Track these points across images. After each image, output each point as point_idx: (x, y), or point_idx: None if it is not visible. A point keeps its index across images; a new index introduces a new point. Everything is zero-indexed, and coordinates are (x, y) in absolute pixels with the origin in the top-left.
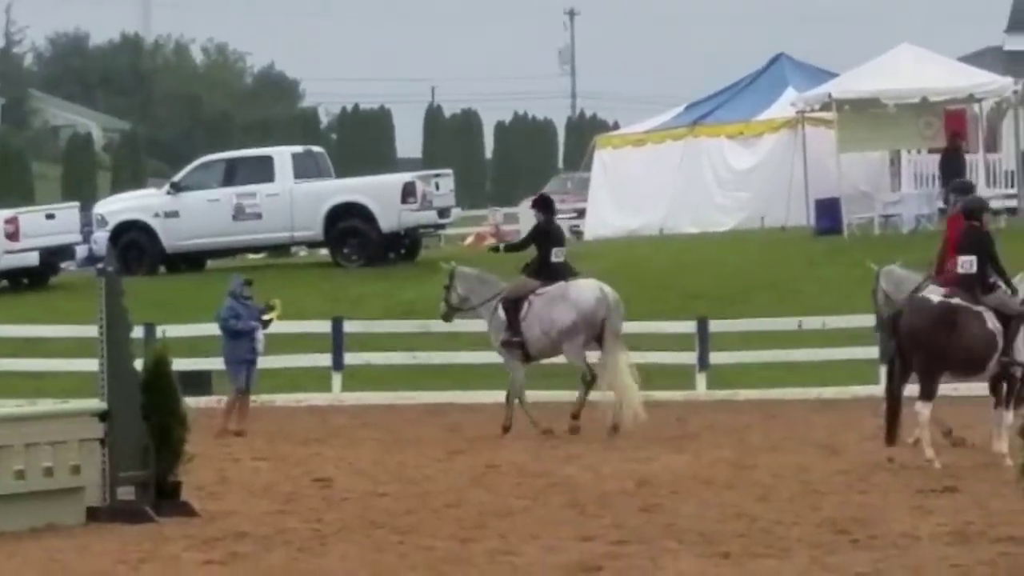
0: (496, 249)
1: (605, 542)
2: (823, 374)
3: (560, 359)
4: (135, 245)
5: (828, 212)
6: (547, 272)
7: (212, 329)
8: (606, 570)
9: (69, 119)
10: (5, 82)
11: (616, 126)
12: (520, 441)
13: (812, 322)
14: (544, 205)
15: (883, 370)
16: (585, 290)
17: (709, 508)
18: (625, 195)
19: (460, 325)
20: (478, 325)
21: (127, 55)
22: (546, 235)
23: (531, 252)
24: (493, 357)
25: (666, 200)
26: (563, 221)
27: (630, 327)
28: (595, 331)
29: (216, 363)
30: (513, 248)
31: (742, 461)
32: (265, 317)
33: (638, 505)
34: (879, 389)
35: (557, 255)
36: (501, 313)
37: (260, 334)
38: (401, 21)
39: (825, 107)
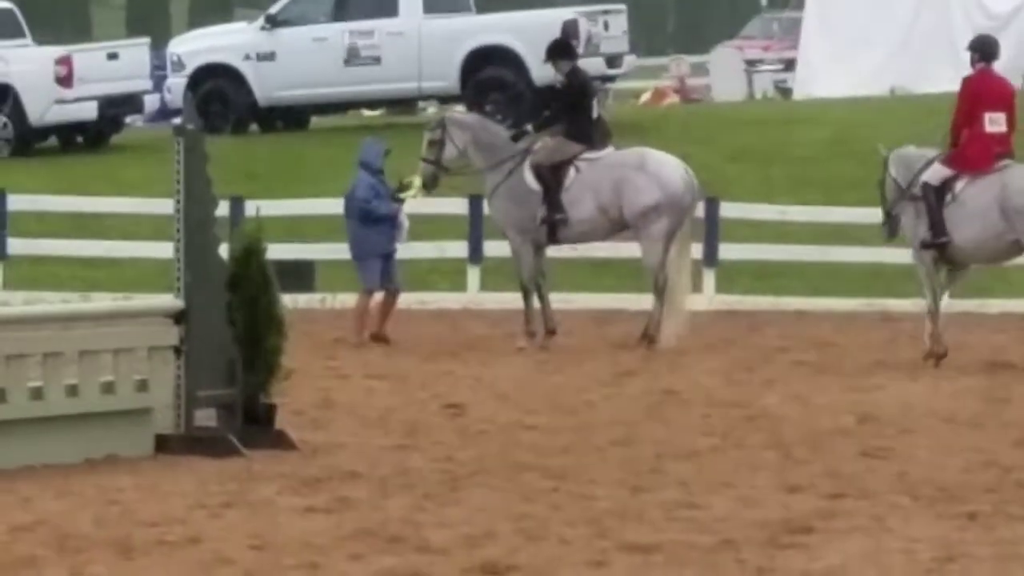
0: (517, 136)
1: (816, 495)
2: None
3: None
4: (220, 95)
5: None
6: (589, 132)
7: (317, 207)
8: (818, 532)
9: None
10: None
11: None
12: (707, 359)
13: None
14: (564, 51)
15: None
16: (669, 165)
17: (951, 454)
18: (847, 42)
19: None
20: None
21: None
22: (582, 87)
23: None
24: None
25: (901, 49)
26: (766, 74)
27: (849, 215)
28: (679, 221)
29: (321, 251)
30: (547, 124)
31: (994, 392)
32: (401, 195)
33: (859, 448)
34: None
35: (597, 108)
36: (531, 181)
37: (404, 218)
38: None
39: None
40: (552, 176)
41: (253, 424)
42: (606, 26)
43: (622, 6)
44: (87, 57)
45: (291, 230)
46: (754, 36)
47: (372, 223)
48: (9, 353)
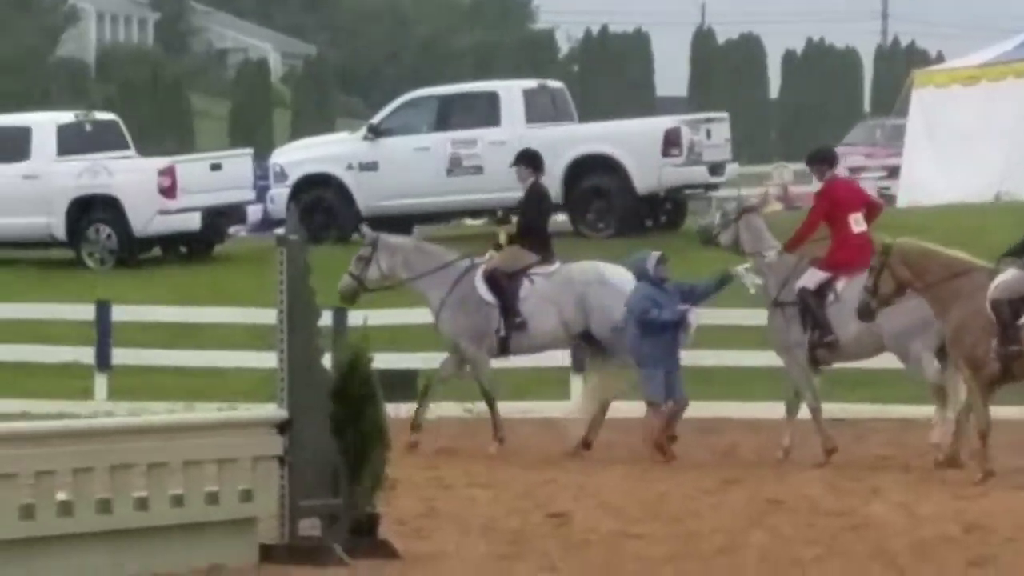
0: (499, 247)
1: None
2: None
3: None
4: (322, 205)
5: None
6: (546, 245)
7: (416, 316)
8: None
9: (240, 41)
10: None
11: (940, 58)
12: (812, 469)
13: None
14: (533, 161)
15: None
16: (626, 277)
17: None
18: (952, 149)
19: (743, 318)
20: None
21: None
22: (540, 200)
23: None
24: (778, 359)
25: (1006, 155)
26: (869, 181)
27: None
28: None
29: (422, 360)
30: (526, 233)
31: None
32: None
33: (965, 557)
34: None
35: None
36: (483, 291)
37: (694, 318)
38: None
39: None
40: (508, 285)
41: (357, 534)
42: (708, 134)
43: (724, 114)
44: (190, 168)
45: (394, 339)
46: (857, 143)
47: (653, 333)
48: (114, 463)
